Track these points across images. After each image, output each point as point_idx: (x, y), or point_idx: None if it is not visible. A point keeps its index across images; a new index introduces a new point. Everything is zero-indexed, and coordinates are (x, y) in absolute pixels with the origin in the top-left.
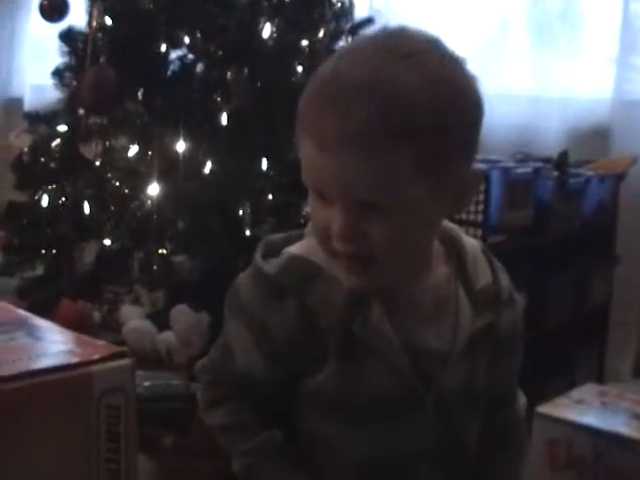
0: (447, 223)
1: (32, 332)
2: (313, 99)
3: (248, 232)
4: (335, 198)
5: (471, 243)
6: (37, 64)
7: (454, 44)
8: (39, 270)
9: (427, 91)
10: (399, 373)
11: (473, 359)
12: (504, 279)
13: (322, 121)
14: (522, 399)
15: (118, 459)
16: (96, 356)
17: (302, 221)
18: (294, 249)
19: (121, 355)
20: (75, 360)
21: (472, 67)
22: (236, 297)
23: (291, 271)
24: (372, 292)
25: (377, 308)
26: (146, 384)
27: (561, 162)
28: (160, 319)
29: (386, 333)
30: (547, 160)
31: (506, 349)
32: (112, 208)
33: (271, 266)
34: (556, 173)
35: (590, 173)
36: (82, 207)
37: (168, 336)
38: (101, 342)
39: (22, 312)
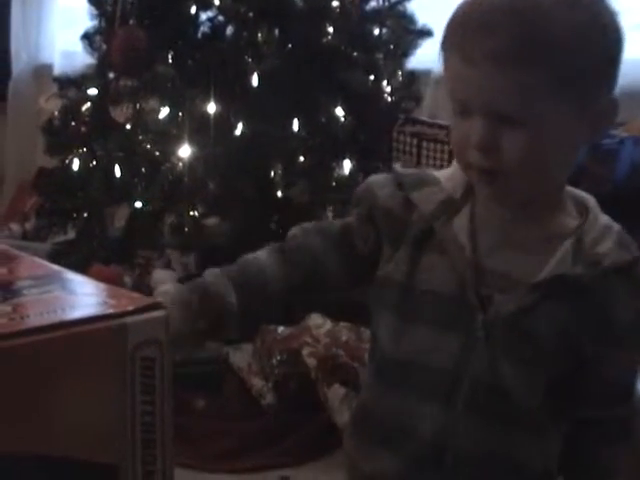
0: (582, 192)
1: (66, 285)
2: (460, 21)
3: (280, 194)
4: (476, 109)
5: (606, 220)
6: (66, 31)
7: None
8: (71, 234)
9: (568, 14)
10: (458, 280)
11: (542, 304)
12: (620, 254)
13: (469, 38)
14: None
15: (153, 412)
16: (130, 307)
17: (333, 182)
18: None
19: (156, 307)
20: (109, 311)
21: None
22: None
23: (414, 175)
24: (466, 203)
25: (465, 217)
26: None
27: None
28: None
29: (460, 239)
30: None
31: (608, 340)
32: (143, 171)
33: (404, 169)
34: None
35: (624, 134)
36: (113, 170)
37: None
38: (135, 294)
39: (55, 267)
